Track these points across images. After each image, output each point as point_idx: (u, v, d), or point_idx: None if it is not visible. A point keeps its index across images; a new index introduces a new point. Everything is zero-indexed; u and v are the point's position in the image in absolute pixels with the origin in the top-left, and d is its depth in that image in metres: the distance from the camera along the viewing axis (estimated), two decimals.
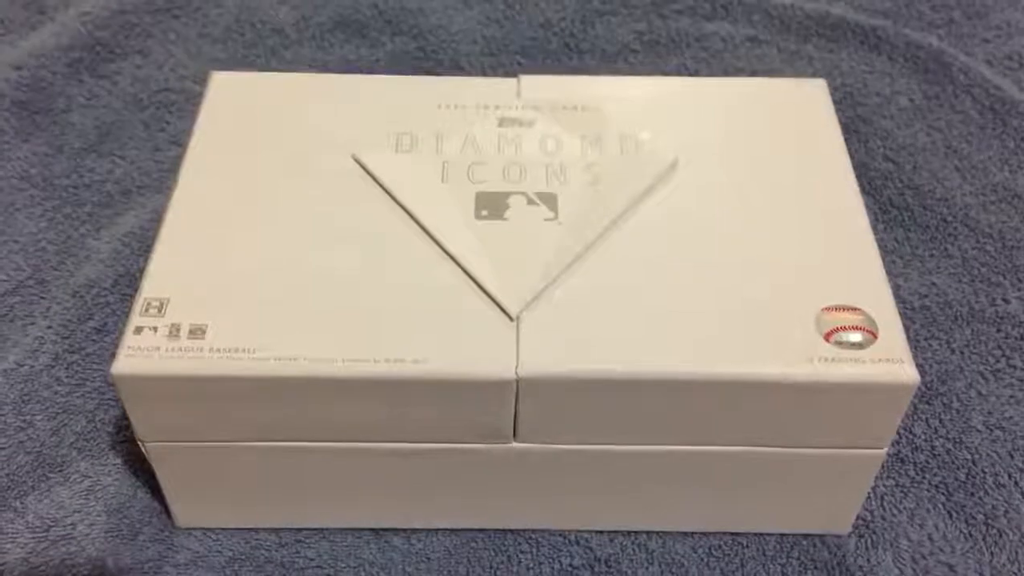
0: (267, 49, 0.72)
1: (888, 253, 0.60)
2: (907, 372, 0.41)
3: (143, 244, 0.59)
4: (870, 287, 0.43)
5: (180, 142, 0.65)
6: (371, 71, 0.70)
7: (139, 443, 0.44)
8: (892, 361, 0.41)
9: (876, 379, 0.40)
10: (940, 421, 0.52)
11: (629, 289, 0.43)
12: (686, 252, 0.45)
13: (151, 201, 0.62)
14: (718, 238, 0.45)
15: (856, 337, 0.41)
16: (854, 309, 0.42)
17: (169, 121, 0.67)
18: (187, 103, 0.68)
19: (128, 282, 0.57)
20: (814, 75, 0.70)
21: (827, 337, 0.41)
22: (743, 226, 0.46)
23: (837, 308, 0.42)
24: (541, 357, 0.41)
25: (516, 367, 0.40)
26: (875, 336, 0.41)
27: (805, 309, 0.42)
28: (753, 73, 0.71)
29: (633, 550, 0.47)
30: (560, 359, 0.41)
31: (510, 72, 0.70)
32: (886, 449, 0.44)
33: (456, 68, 0.71)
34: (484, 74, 0.70)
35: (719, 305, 0.43)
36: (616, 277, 0.44)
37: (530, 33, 0.73)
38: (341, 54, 0.72)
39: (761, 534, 0.48)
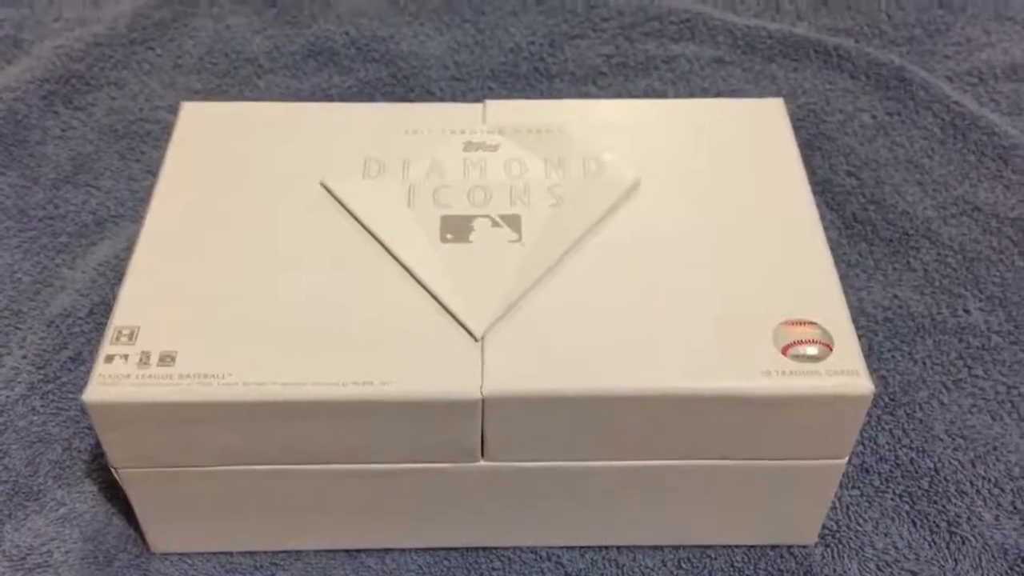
0: (241, 79, 0.73)
1: (851, 266, 0.61)
2: (862, 384, 0.41)
3: (118, 273, 0.60)
4: (826, 301, 0.44)
5: (155, 172, 0.66)
6: (344, 99, 0.72)
7: (112, 470, 0.44)
8: (847, 373, 0.42)
9: (832, 391, 0.41)
10: (903, 431, 0.53)
11: (591, 308, 0.44)
12: (647, 271, 0.46)
13: (126, 231, 0.62)
14: (678, 256, 0.46)
15: (812, 350, 0.42)
16: (811, 323, 0.43)
17: (144, 151, 0.68)
18: (162, 133, 0.69)
19: (103, 311, 0.58)
20: (778, 94, 0.71)
21: (784, 351, 0.42)
22: (702, 244, 0.47)
23: (794, 322, 0.43)
24: (505, 376, 0.42)
25: (481, 387, 0.41)
26: (831, 349, 0.42)
27: (763, 323, 0.43)
28: (719, 93, 0.72)
29: (603, 565, 0.48)
30: (524, 378, 0.42)
31: (481, 97, 0.71)
32: (846, 459, 0.45)
33: (428, 94, 0.72)
34: (455, 99, 0.72)
35: (680, 322, 0.44)
36: (579, 296, 0.45)
37: (500, 58, 0.75)
38: (314, 82, 0.73)
39: (729, 546, 0.49)
